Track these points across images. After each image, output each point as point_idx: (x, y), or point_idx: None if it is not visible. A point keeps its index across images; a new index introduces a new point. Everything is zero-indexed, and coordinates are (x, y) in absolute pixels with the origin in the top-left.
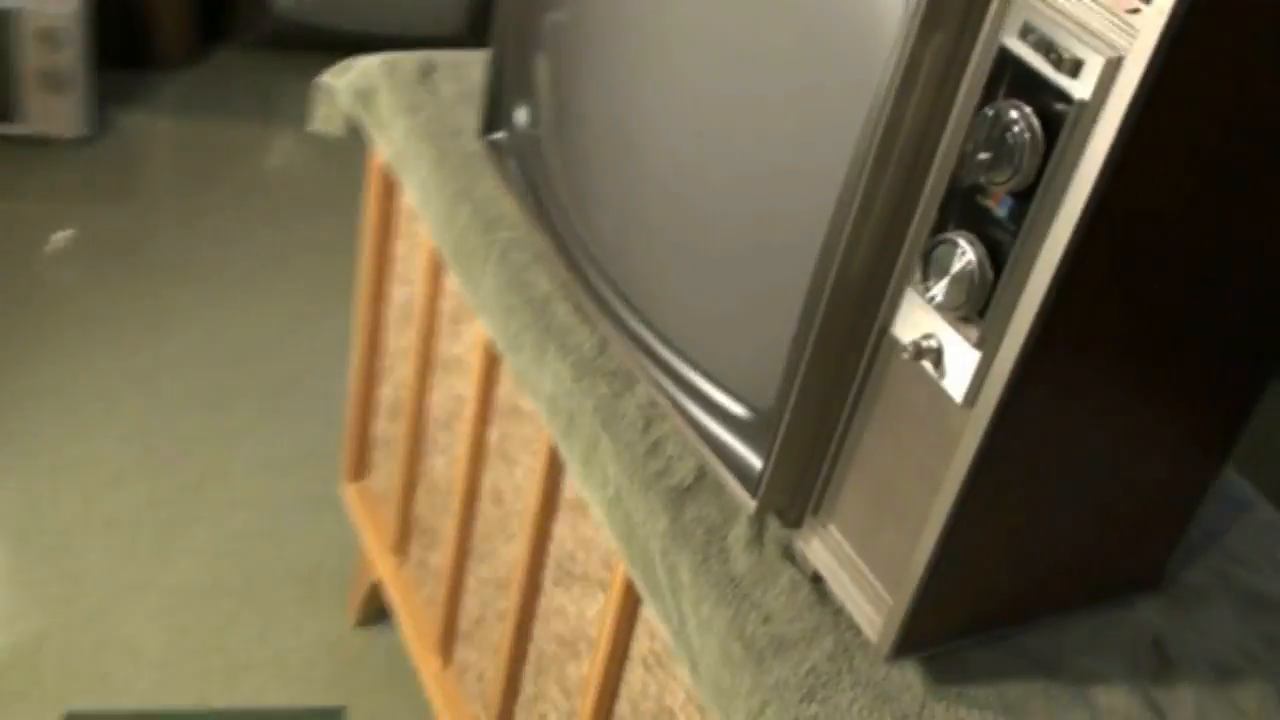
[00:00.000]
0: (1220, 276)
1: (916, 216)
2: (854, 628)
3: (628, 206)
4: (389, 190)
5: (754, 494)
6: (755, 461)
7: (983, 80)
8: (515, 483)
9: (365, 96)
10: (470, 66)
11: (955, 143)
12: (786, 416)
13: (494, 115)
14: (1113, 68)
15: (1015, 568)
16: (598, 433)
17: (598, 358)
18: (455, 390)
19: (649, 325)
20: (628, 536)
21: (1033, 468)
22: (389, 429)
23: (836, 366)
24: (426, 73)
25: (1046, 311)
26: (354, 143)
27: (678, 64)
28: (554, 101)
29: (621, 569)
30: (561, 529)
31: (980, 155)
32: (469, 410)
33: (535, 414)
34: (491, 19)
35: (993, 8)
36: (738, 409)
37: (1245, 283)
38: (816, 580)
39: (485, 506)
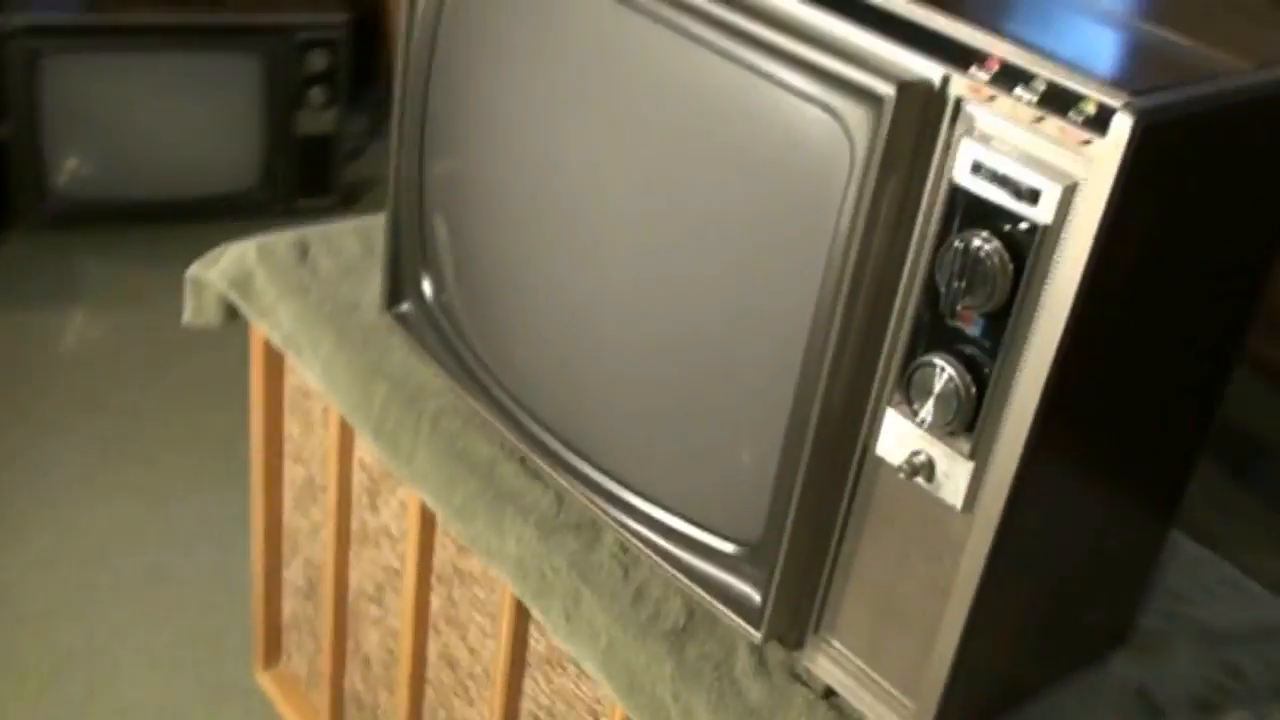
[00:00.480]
0: (1164, 370)
1: (886, 346)
2: None
3: (574, 363)
4: (275, 371)
5: (757, 626)
6: (751, 593)
7: (939, 215)
8: (470, 645)
9: (241, 284)
10: (343, 238)
11: (917, 274)
12: (784, 548)
13: (397, 287)
14: (1070, 193)
15: (1018, 651)
16: (578, 587)
17: (559, 514)
18: (382, 562)
19: (610, 474)
20: (631, 685)
21: (1030, 558)
22: (302, 609)
23: (824, 494)
24: (302, 252)
25: (1038, 417)
26: (158, 317)
27: (618, 227)
28: (470, 269)
29: (618, 715)
30: (533, 685)
31: (956, 283)
32: (408, 580)
33: (484, 576)
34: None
35: (936, 152)
36: (724, 546)
37: (1183, 374)
38: (829, 695)
39: (436, 674)
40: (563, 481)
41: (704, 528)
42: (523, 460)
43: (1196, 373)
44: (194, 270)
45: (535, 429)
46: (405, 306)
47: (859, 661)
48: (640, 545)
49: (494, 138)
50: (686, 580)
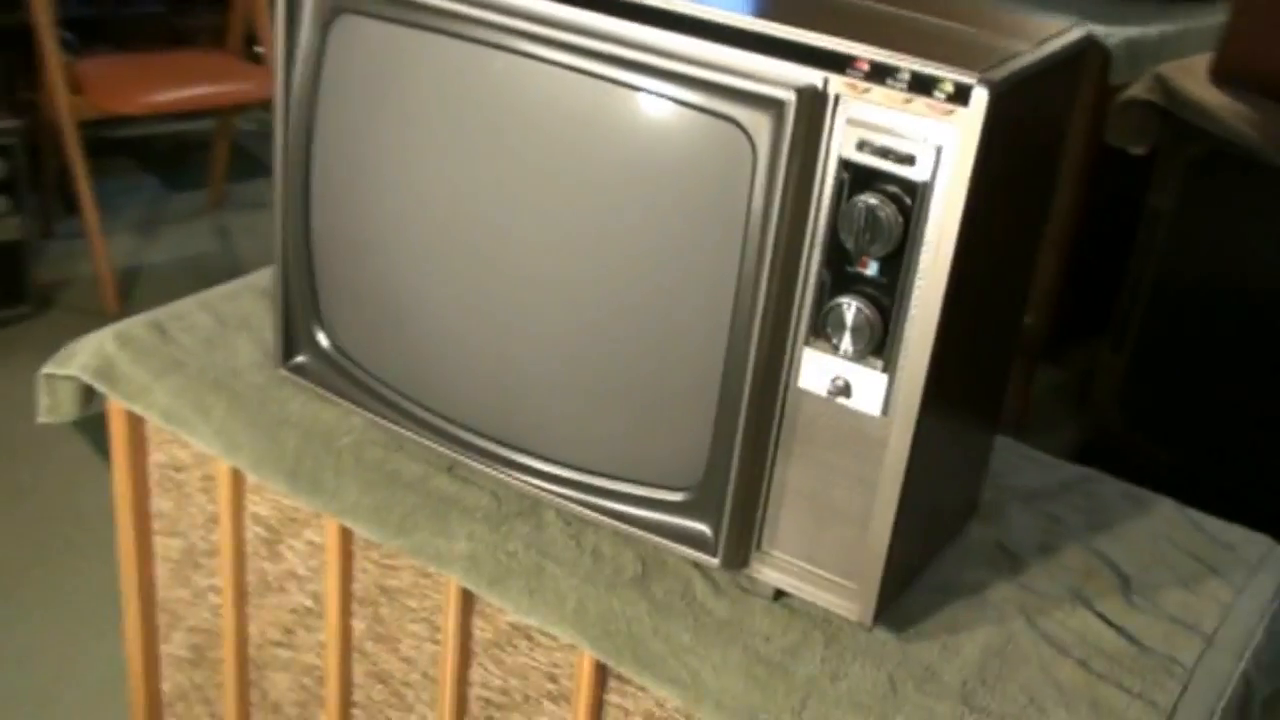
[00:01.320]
0: (1000, 285)
1: (796, 299)
2: (827, 617)
3: (501, 368)
4: (138, 452)
5: (714, 554)
6: (704, 529)
7: (833, 186)
8: (403, 655)
9: (105, 374)
10: (191, 315)
11: (817, 236)
12: (731, 485)
13: (291, 342)
14: (938, 153)
15: (920, 529)
16: (538, 562)
17: (500, 506)
18: (290, 605)
19: (550, 459)
20: (605, 632)
21: (929, 450)
22: (189, 679)
23: (758, 432)
24: (161, 331)
25: (938, 329)
26: None
27: (535, 246)
28: (372, 307)
29: (586, 663)
30: (482, 672)
31: (864, 236)
32: (331, 609)
33: (415, 587)
34: (282, 255)
35: (823, 139)
36: (672, 495)
37: (1009, 289)
38: (779, 596)
39: (365, 694)
40: (501, 476)
41: (648, 484)
42: (450, 469)
43: (1015, 289)
44: (48, 368)
45: (465, 435)
46: (301, 358)
47: (801, 562)
48: (590, 513)
49: (389, 185)
50: (641, 531)
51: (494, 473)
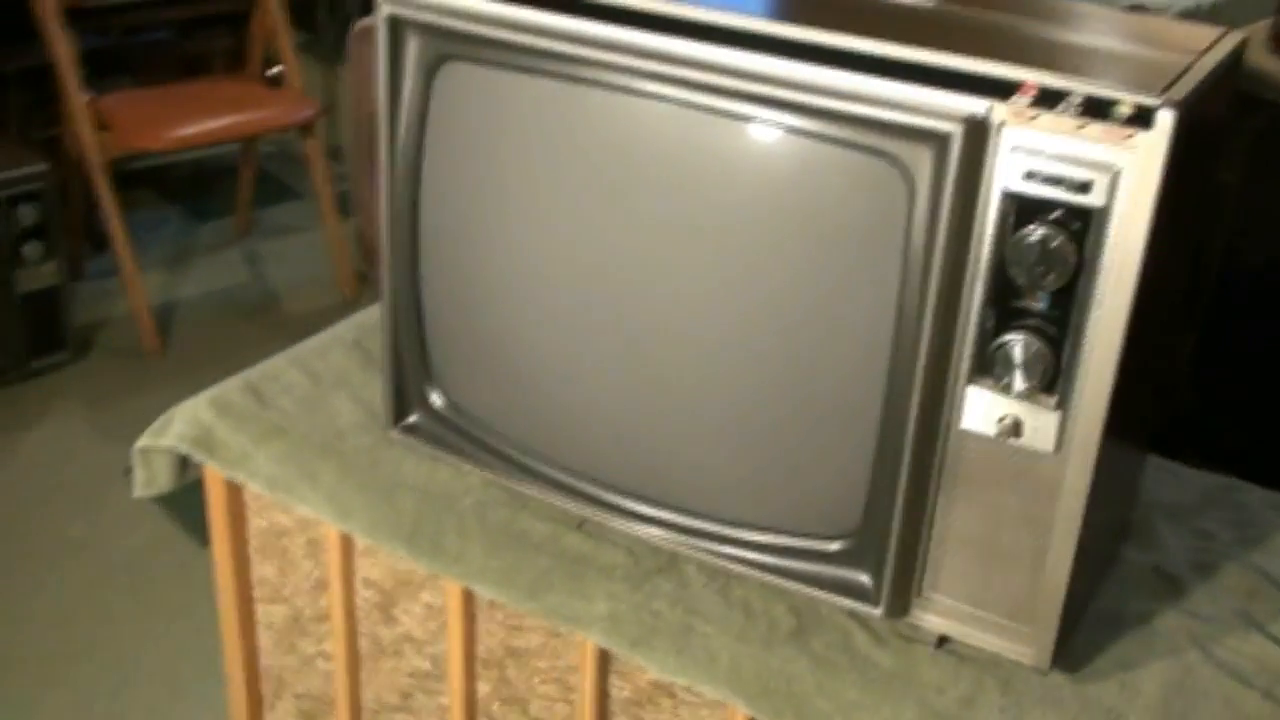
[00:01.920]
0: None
1: (957, 337)
2: (997, 662)
3: (641, 423)
4: (237, 519)
5: (876, 604)
6: (862, 578)
7: (996, 219)
8: (533, 717)
9: (204, 442)
10: (285, 374)
11: (978, 272)
12: (895, 531)
13: (403, 403)
14: (1115, 179)
15: (1091, 562)
16: (686, 621)
17: (638, 564)
18: (406, 669)
19: (693, 513)
20: (764, 692)
21: (1105, 483)
22: None
23: (920, 476)
24: (257, 396)
25: (1119, 364)
26: None
27: (685, 296)
28: (495, 365)
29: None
30: None
31: (1038, 269)
32: (454, 671)
33: (544, 648)
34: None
35: (985, 170)
36: (827, 545)
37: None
38: (942, 643)
39: None
40: (637, 531)
41: (801, 534)
42: (580, 526)
43: (1180, 306)
44: (144, 442)
45: (597, 491)
46: (414, 418)
47: (967, 607)
48: (737, 566)
49: (506, 235)
50: (794, 584)
51: (629, 528)
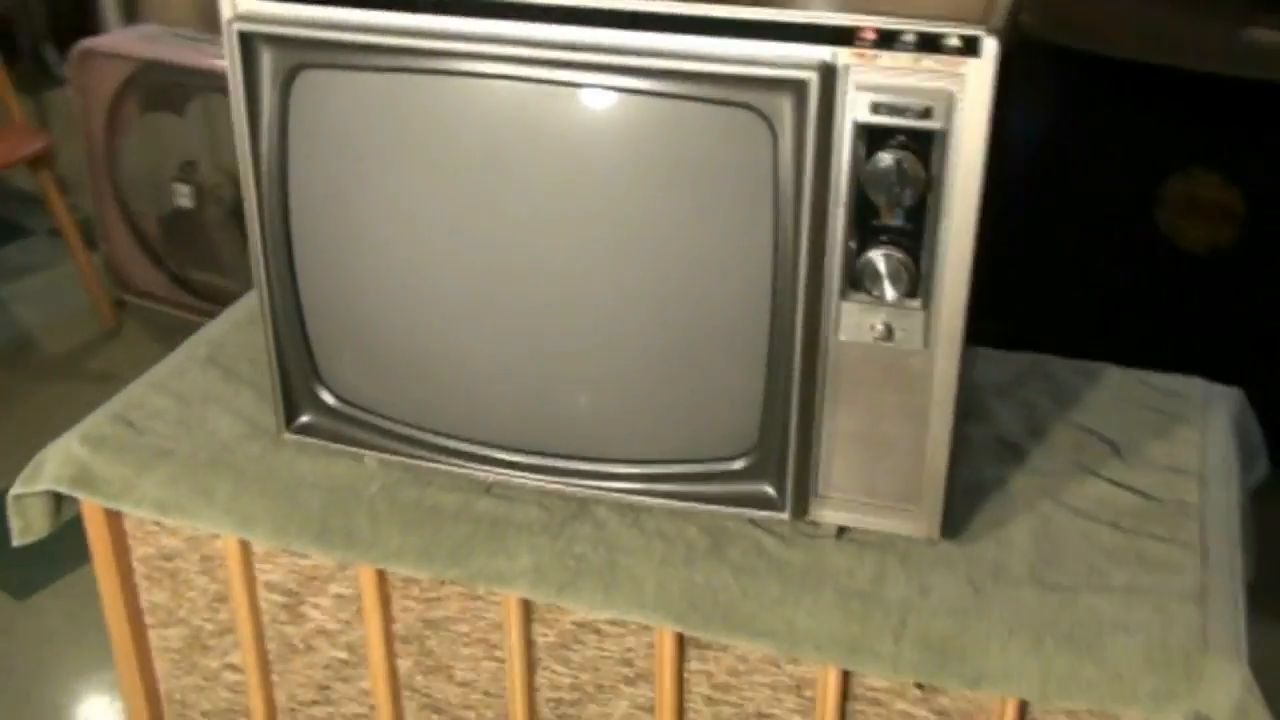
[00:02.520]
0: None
1: (826, 258)
2: (892, 542)
3: (540, 383)
4: (120, 550)
5: (782, 509)
6: (767, 488)
7: (849, 149)
8: (460, 680)
9: (82, 480)
10: (149, 400)
11: (840, 197)
12: (792, 442)
13: (293, 405)
14: (951, 102)
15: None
16: (611, 559)
17: (552, 515)
18: (322, 662)
19: (599, 458)
20: (690, 607)
21: (963, 371)
22: None
23: (807, 388)
24: (129, 424)
25: (972, 264)
26: None
27: (571, 260)
28: (386, 353)
29: (666, 639)
30: (550, 675)
31: (896, 188)
32: (375, 654)
33: (463, 613)
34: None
35: (837, 108)
36: (732, 465)
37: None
38: (841, 533)
39: None
40: (547, 485)
41: (706, 460)
42: (489, 490)
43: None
44: (17, 489)
45: (502, 455)
46: (306, 418)
47: (861, 497)
48: (649, 499)
49: (386, 230)
50: (705, 505)
51: (539, 483)
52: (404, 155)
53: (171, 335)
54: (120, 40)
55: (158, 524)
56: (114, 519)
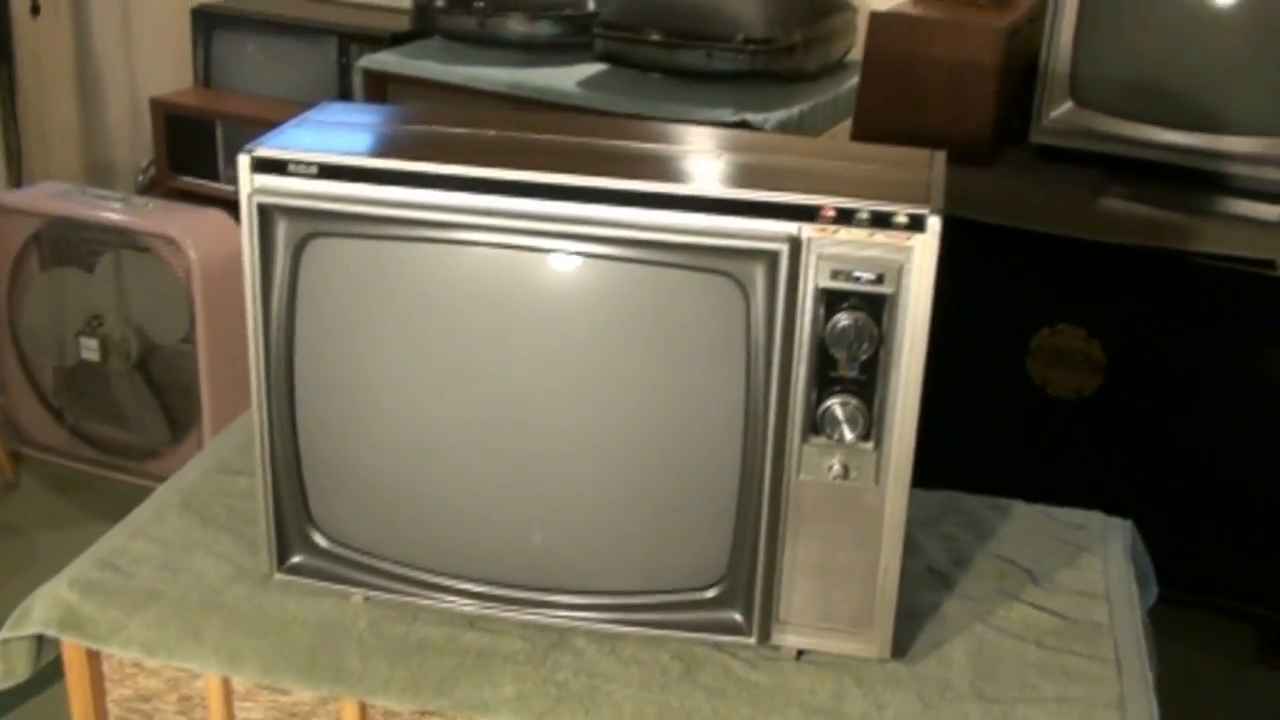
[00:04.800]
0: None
1: (790, 406)
2: (845, 663)
3: (521, 520)
4: (98, 692)
5: (749, 635)
6: (735, 616)
7: (811, 310)
8: None
9: (70, 622)
10: (132, 547)
11: (803, 353)
12: (759, 573)
13: (285, 546)
14: (899, 271)
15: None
16: (591, 685)
17: (534, 645)
18: None
19: (579, 591)
20: None
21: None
22: None
23: (773, 523)
24: (115, 568)
25: (921, 408)
26: None
27: (557, 419)
28: (378, 498)
29: None
30: None
31: (855, 344)
32: None
33: None
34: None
35: (802, 275)
36: (705, 594)
37: None
38: (800, 655)
39: None
40: (529, 618)
41: (679, 590)
42: (473, 624)
43: None
44: (4, 634)
45: (487, 589)
46: (298, 558)
47: (818, 622)
48: (626, 628)
49: (384, 385)
50: (678, 632)
51: (521, 616)
52: (403, 316)
53: (71, 489)
54: (26, 197)
55: (137, 665)
56: (94, 661)
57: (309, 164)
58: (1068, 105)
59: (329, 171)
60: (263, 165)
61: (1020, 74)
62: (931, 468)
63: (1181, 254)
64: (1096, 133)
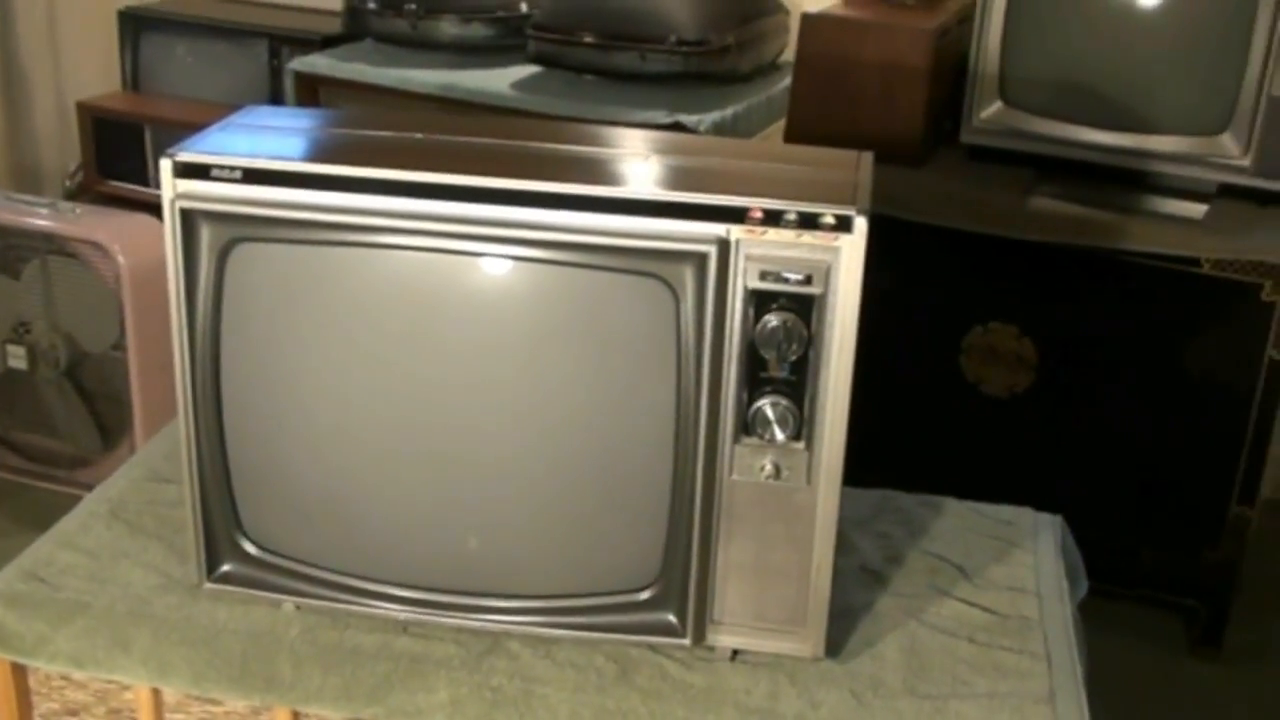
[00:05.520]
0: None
1: (721, 407)
2: (779, 662)
3: (453, 525)
4: (25, 708)
5: (683, 636)
6: (669, 617)
7: (741, 311)
8: None
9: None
10: (57, 556)
11: (733, 353)
12: (693, 574)
13: (215, 555)
14: (827, 272)
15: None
16: (524, 688)
17: (468, 650)
18: None
19: (513, 595)
20: None
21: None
22: None
23: (706, 524)
24: (41, 579)
25: (845, 412)
26: None
27: (489, 419)
28: (309, 504)
29: None
30: None
31: (784, 345)
32: None
33: None
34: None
35: (731, 275)
36: (639, 595)
37: None
38: (734, 655)
39: None
40: (462, 623)
41: (613, 592)
42: (405, 630)
43: None
44: None
45: (420, 595)
46: (227, 567)
47: (751, 622)
48: (560, 632)
49: (312, 390)
50: (613, 635)
51: (454, 621)
52: (331, 321)
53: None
54: None
55: (65, 678)
56: (19, 674)
57: (233, 168)
58: (997, 105)
59: (253, 176)
60: (185, 170)
61: (950, 75)
62: (864, 466)
63: (1111, 252)
64: (1026, 133)
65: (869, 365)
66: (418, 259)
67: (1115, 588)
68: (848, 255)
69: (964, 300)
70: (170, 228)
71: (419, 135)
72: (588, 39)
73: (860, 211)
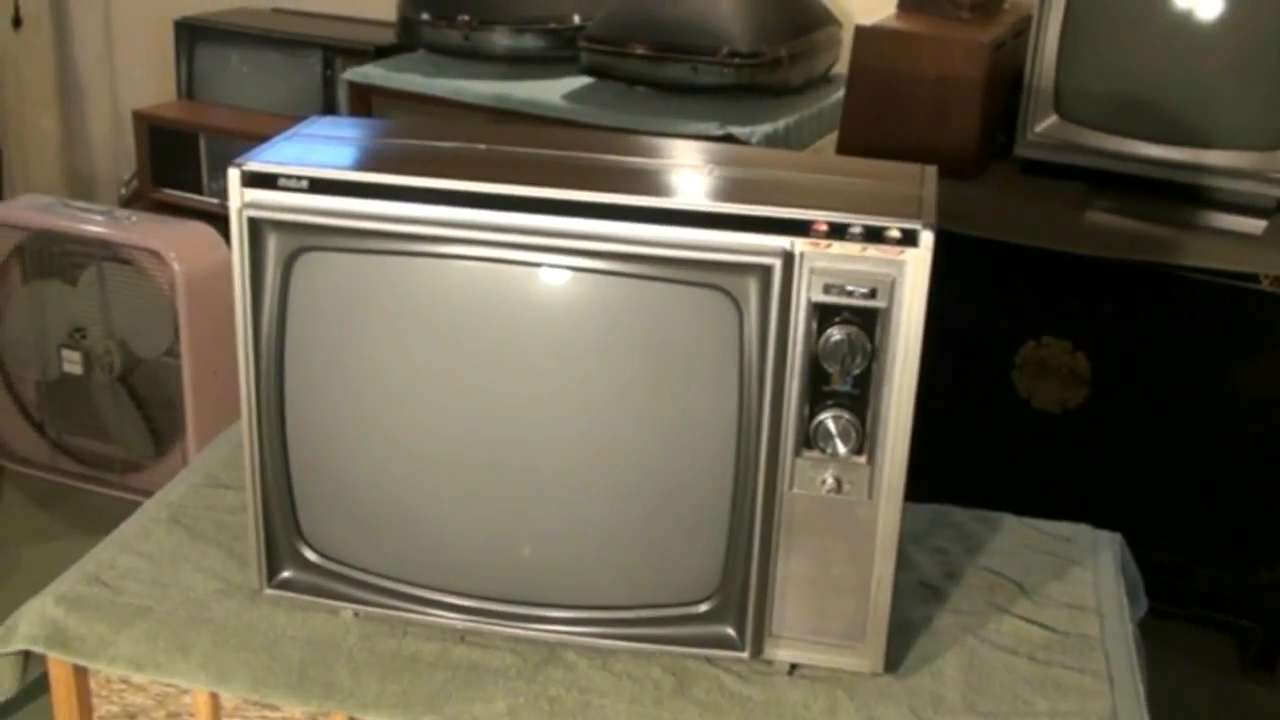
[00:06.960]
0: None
1: (784, 420)
2: (837, 677)
3: (513, 533)
4: (84, 708)
5: (742, 649)
6: (728, 630)
7: (804, 324)
8: None
9: (57, 639)
10: (119, 561)
11: (796, 366)
12: (752, 586)
13: (275, 562)
14: (892, 286)
15: None
16: (584, 700)
17: (525, 660)
18: None
19: (571, 605)
20: None
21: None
22: None
23: (767, 537)
24: (104, 583)
25: (913, 421)
26: None
27: (560, 431)
28: (373, 512)
29: None
30: None
31: (848, 359)
32: None
33: None
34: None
35: (794, 289)
36: (698, 608)
37: None
38: (793, 670)
39: None
40: (520, 632)
41: (671, 604)
42: (462, 638)
43: None
44: None
45: (478, 604)
46: (288, 574)
47: (810, 636)
48: (618, 643)
49: (376, 399)
50: (675, 648)
51: (512, 631)
52: (393, 330)
53: (53, 502)
54: (8, 210)
55: (125, 681)
56: (81, 677)
57: (299, 178)
58: (1052, 119)
59: (319, 186)
60: (253, 179)
61: (1005, 88)
62: (917, 480)
63: (1166, 267)
64: (1081, 146)
65: (920, 379)
66: (483, 269)
67: (1168, 607)
68: (913, 269)
69: (1016, 314)
70: (237, 236)
71: (482, 146)
72: (640, 51)
73: (926, 225)
